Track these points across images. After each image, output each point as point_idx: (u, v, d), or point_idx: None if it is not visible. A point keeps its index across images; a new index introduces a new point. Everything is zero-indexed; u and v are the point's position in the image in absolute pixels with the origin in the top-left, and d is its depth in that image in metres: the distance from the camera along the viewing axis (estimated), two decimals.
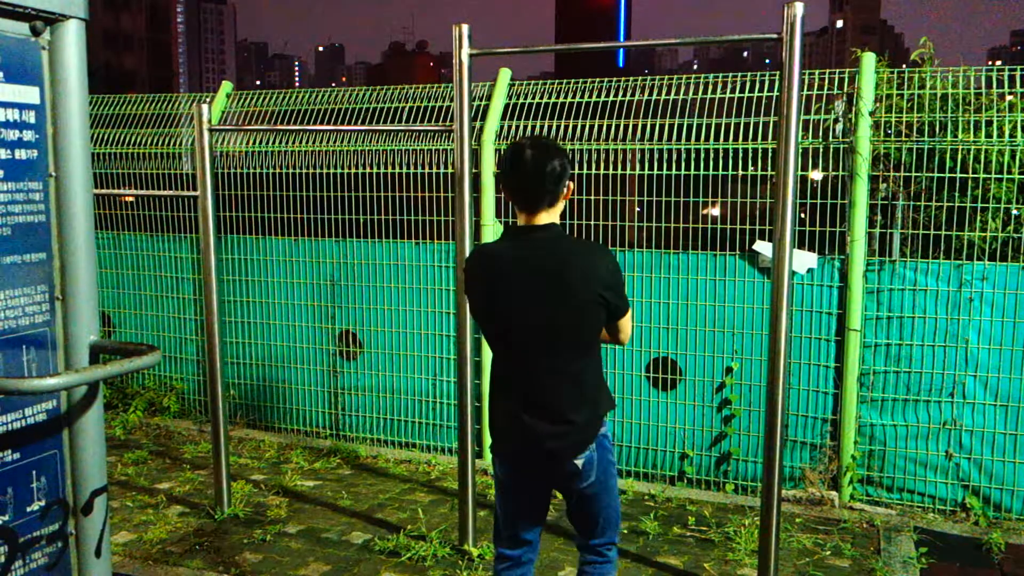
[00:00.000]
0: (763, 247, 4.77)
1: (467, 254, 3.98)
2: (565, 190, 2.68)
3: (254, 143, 6.07)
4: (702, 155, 4.90)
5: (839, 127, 4.74)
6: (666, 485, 5.06)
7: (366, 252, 5.67)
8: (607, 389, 2.78)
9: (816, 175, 4.77)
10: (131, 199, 6.51)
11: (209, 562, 4.08)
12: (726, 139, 4.87)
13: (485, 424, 5.41)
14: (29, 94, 2.03)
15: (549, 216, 2.66)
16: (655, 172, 4.98)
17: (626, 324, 2.75)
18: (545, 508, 2.86)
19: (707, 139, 4.90)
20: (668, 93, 5.09)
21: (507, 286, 2.61)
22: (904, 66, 4.94)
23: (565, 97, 5.26)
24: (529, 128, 5.24)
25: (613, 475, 2.75)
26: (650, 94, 5.13)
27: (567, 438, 2.61)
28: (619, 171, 5.10)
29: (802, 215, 4.72)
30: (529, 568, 2.88)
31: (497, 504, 2.87)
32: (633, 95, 5.18)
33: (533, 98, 5.32)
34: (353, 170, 5.71)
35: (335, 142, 5.82)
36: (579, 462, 2.62)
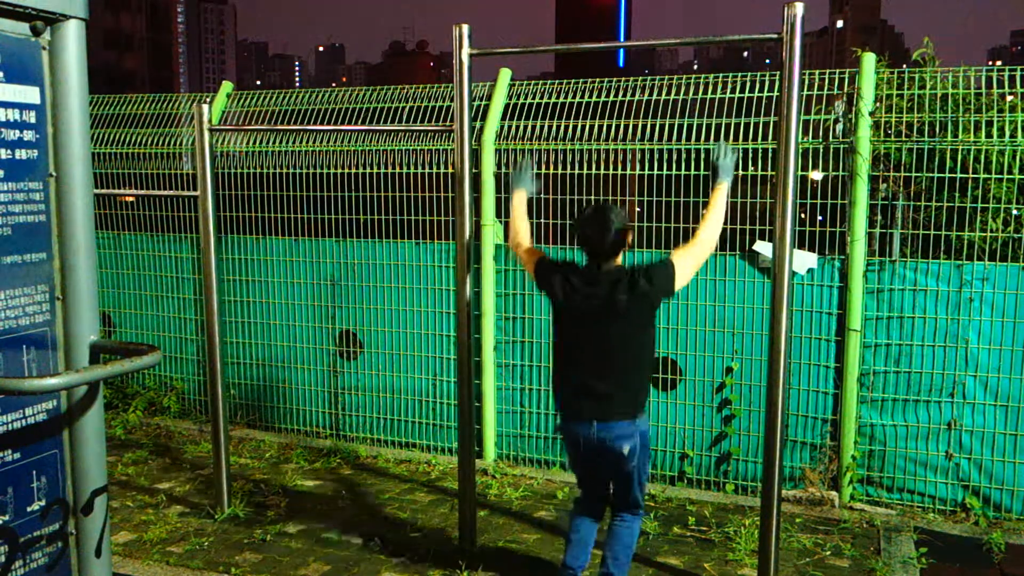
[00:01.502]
0: (763, 247, 4.77)
1: (467, 254, 3.98)
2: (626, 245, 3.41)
3: (254, 143, 6.07)
4: (702, 155, 4.90)
5: (839, 127, 4.74)
6: (666, 485, 5.06)
7: (366, 252, 5.67)
8: (647, 396, 3.46)
9: (816, 175, 4.77)
10: (131, 199, 6.51)
11: (209, 562, 4.08)
12: (726, 139, 4.87)
13: (485, 424, 5.41)
14: (29, 94, 2.03)
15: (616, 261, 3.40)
16: (655, 172, 4.98)
17: (689, 261, 3.39)
18: (605, 485, 3.51)
19: (707, 139, 4.90)
20: (668, 93, 5.09)
21: (579, 312, 3.38)
22: (904, 66, 4.94)
23: (565, 97, 5.26)
24: (529, 128, 5.24)
25: (648, 460, 3.51)
26: (650, 94, 5.13)
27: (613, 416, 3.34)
28: (619, 171, 5.10)
29: (802, 215, 4.72)
30: (596, 521, 3.58)
31: (576, 476, 3.66)
32: (633, 95, 5.18)
33: (533, 98, 5.32)
34: (353, 170, 5.71)
35: (335, 142, 5.82)
36: (625, 448, 3.32)
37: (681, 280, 3.36)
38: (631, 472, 3.41)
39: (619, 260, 3.37)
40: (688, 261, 3.39)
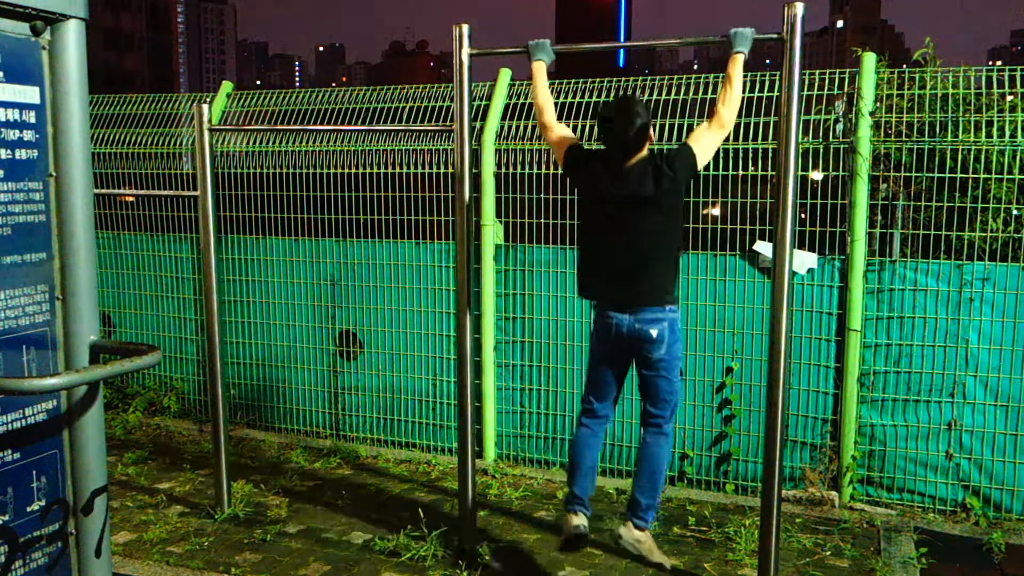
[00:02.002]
0: (763, 247, 4.77)
1: (467, 254, 3.98)
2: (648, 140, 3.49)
3: (254, 143, 6.07)
4: None
5: (839, 127, 4.74)
6: (666, 485, 5.06)
7: (366, 252, 5.67)
8: (677, 284, 3.57)
9: (816, 175, 4.77)
10: (131, 199, 6.51)
11: (209, 562, 4.08)
12: (726, 139, 4.86)
13: (485, 424, 5.41)
14: (29, 94, 2.03)
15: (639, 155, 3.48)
16: None
17: (707, 140, 3.49)
18: (619, 382, 3.65)
19: None
20: (668, 93, 5.09)
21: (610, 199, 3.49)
22: (904, 66, 4.93)
23: (565, 97, 5.25)
24: (529, 128, 5.23)
25: (678, 360, 3.55)
26: (650, 94, 5.13)
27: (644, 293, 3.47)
28: None
29: (802, 215, 4.72)
30: (603, 422, 3.71)
31: (588, 367, 3.74)
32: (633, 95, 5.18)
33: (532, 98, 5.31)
34: (353, 170, 5.71)
35: (335, 142, 5.82)
36: (654, 331, 3.43)
37: (702, 160, 3.48)
38: (659, 363, 3.48)
39: (644, 151, 3.45)
40: (706, 141, 3.49)
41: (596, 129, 3.57)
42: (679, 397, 3.67)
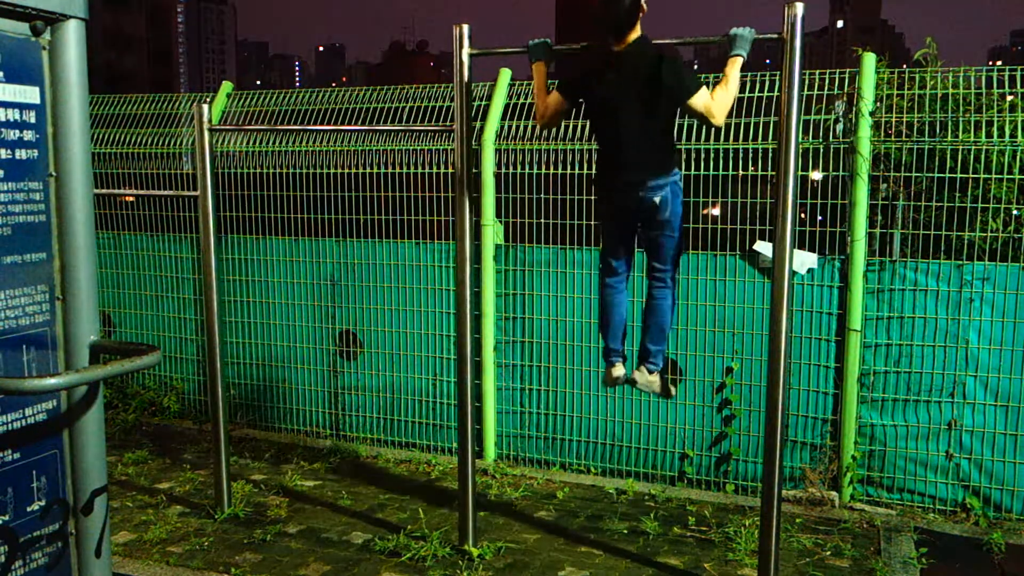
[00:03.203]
0: (763, 247, 4.77)
1: (467, 254, 3.98)
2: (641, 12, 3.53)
3: (254, 143, 6.07)
4: (702, 155, 4.90)
5: (839, 127, 4.74)
6: (666, 485, 5.06)
7: (366, 252, 5.67)
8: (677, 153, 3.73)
9: (816, 175, 4.77)
10: (131, 199, 6.51)
11: (209, 562, 4.08)
12: (726, 139, 4.87)
13: (485, 424, 5.41)
14: (29, 94, 2.03)
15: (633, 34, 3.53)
16: None
17: (705, 104, 3.48)
18: (632, 239, 3.81)
19: (707, 139, 4.90)
20: None
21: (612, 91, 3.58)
22: (904, 66, 4.93)
23: None
24: (529, 128, 5.24)
25: (680, 217, 3.70)
26: None
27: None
28: None
29: (802, 215, 4.72)
30: (623, 279, 3.90)
31: (602, 236, 3.92)
32: None
33: (533, 98, 5.31)
34: (353, 170, 5.71)
35: (335, 142, 5.82)
36: (657, 198, 3.58)
37: (696, 103, 3.49)
38: (664, 223, 3.65)
39: (638, 29, 3.50)
40: (704, 100, 3.50)
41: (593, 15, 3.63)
42: (680, 250, 3.84)
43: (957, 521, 4.57)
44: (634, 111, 3.55)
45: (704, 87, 3.53)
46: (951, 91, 4.64)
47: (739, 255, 4.87)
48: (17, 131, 2.01)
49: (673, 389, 4.04)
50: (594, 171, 3.88)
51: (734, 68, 3.52)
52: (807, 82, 4.76)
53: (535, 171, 5.23)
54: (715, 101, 3.50)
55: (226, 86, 6.36)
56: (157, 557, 4.12)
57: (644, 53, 3.51)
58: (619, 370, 3.90)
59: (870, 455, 4.75)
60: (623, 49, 3.52)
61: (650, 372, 3.88)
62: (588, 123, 3.91)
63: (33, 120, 2.04)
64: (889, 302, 4.65)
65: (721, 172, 4.88)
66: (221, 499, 4.60)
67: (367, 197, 5.64)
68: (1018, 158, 4.47)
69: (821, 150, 4.73)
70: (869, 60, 4.73)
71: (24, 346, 2.05)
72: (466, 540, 4.14)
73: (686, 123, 4.98)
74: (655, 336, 3.85)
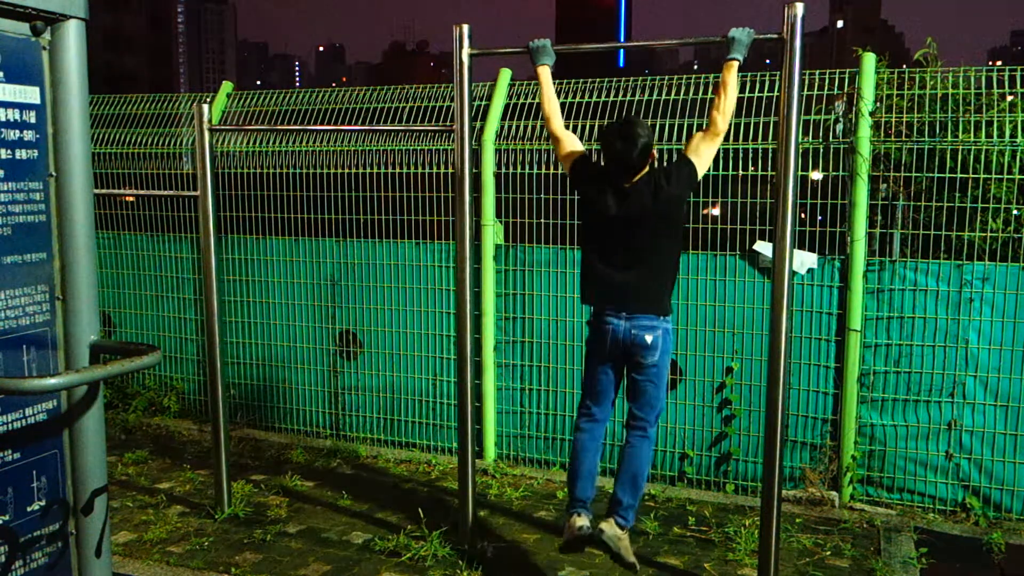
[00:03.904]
0: (763, 247, 4.77)
1: (467, 254, 3.98)
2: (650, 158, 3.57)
3: (254, 143, 6.07)
4: None
5: (839, 127, 4.74)
6: (666, 485, 5.06)
7: (366, 252, 5.67)
8: (671, 294, 3.68)
9: (816, 175, 4.77)
10: (131, 199, 6.51)
11: (209, 562, 4.08)
12: (726, 139, 4.87)
13: (485, 424, 5.41)
14: (29, 94, 2.03)
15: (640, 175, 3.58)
16: None
17: (704, 149, 3.58)
18: (615, 386, 3.73)
19: None
20: (668, 93, 5.09)
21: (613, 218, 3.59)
22: (904, 66, 4.93)
23: (565, 97, 5.25)
24: (529, 128, 5.24)
25: (667, 369, 3.66)
26: (650, 94, 5.13)
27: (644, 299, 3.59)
28: None
29: (802, 215, 4.72)
30: (601, 426, 3.77)
31: (584, 374, 3.82)
32: (633, 95, 5.19)
33: (533, 98, 5.32)
34: (353, 170, 5.71)
35: (335, 142, 5.82)
36: (649, 338, 3.55)
37: (702, 170, 3.59)
38: (650, 368, 3.59)
39: (646, 169, 3.55)
40: (704, 152, 3.59)
41: (600, 152, 3.62)
42: (663, 404, 3.77)
43: (957, 521, 4.57)
44: (639, 233, 3.55)
45: (689, 152, 3.59)
46: (951, 91, 4.64)
47: (739, 255, 4.87)
48: (17, 131, 2.01)
49: (637, 564, 3.61)
50: (584, 296, 3.77)
51: (731, 73, 3.52)
52: (807, 82, 4.76)
53: (535, 171, 5.23)
54: (716, 115, 3.54)
55: (226, 86, 6.36)
56: (157, 557, 4.12)
57: (650, 185, 3.54)
58: (582, 520, 3.61)
59: (870, 455, 4.75)
60: (630, 187, 3.56)
61: (620, 527, 3.59)
62: (581, 233, 3.84)
63: (33, 120, 2.04)
64: (889, 302, 4.65)
65: (721, 172, 4.88)
66: (221, 499, 4.60)
67: (367, 197, 5.64)
68: (1018, 158, 4.47)
69: (821, 150, 4.73)
70: (869, 60, 4.73)
71: (24, 346, 2.05)
72: (466, 540, 4.14)
73: (686, 123, 4.98)
74: (628, 488, 3.62)
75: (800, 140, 3.65)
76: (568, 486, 3.77)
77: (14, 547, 2.05)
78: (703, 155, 3.59)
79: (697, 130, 3.75)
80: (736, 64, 3.52)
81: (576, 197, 5.09)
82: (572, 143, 3.81)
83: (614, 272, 3.60)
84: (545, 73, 3.84)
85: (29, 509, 2.08)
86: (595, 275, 3.66)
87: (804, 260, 4.70)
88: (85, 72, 2.12)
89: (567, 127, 5.16)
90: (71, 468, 2.17)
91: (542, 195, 5.20)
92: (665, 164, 3.62)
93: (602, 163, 3.62)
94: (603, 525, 3.59)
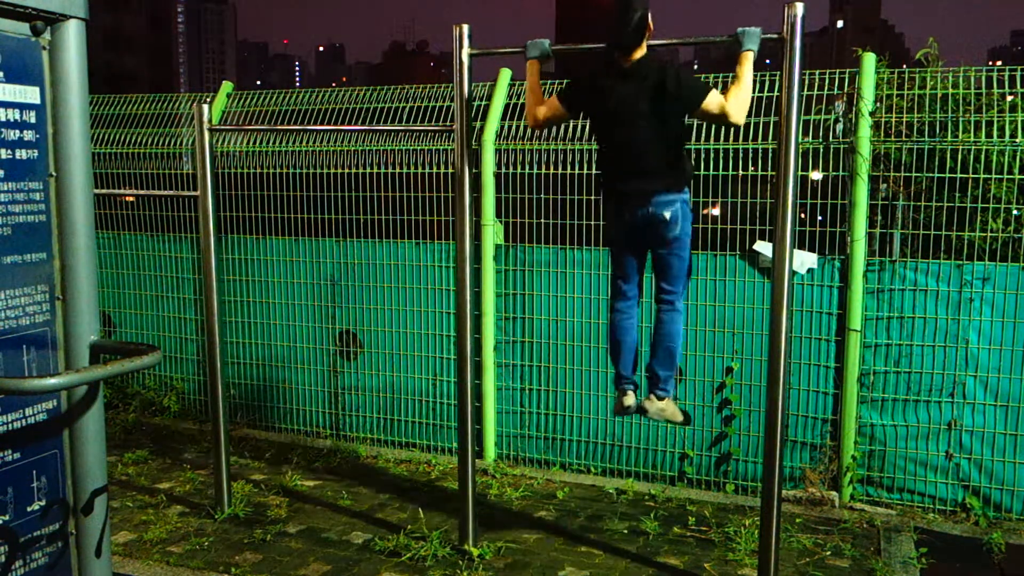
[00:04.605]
0: (763, 247, 4.77)
1: (467, 254, 3.98)
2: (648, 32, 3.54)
3: (254, 143, 6.07)
4: (702, 155, 4.90)
5: (839, 127, 4.74)
6: (666, 485, 5.06)
7: (366, 252, 5.67)
8: (689, 166, 3.73)
9: (816, 175, 4.77)
10: (131, 199, 6.51)
11: (209, 562, 4.08)
12: (726, 139, 4.87)
13: (485, 424, 5.41)
14: (29, 94, 2.03)
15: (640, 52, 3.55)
16: None
17: (719, 104, 3.49)
18: (641, 263, 3.82)
19: (707, 139, 4.90)
20: None
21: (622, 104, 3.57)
22: (904, 66, 4.93)
23: None
24: (529, 128, 5.23)
25: (689, 237, 3.69)
26: None
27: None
28: None
29: (802, 215, 4.72)
30: (633, 304, 3.88)
31: (611, 257, 3.89)
32: None
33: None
34: (353, 170, 5.71)
35: (335, 142, 5.82)
36: (667, 213, 3.58)
37: (709, 105, 3.50)
38: (673, 241, 3.64)
39: (643, 48, 3.51)
40: (717, 103, 3.50)
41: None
42: (689, 273, 3.84)
43: (957, 521, 4.57)
44: (642, 124, 3.55)
45: (713, 89, 3.52)
46: (951, 91, 4.64)
47: (739, 255, 4.87)
48: (17, 131, 2.01)
49: (684, 416, 3.94)
50: (601, 189, 3.85)
51: (747, 64, 3.48)
52: (807, 82, 4.76)
53: (535, 171, 5.23)
54: (730, 100, 3.49)
55: (226, 86, 6.36)
56: (157, 557, 4.12)
57: (650, 67, 3.53)
58: (630, 399, 3.84)
59: (870, 455, 4.75)
60: (629, 66, 3.53)
61: (659, 399, 3.82)
62: (593, 135, 3.88)
63: (33, 120, 2.04)
64: (889, 302, 4.65)
65: (721, 172, 4.88)
66: (221, 499, 4.60)
67: (367, 197, 5.64)
68: (1018, 158, 4.47)
69: (821, 150, 4.73)
70: (869, 60, 4.73)
71: (24, 346, 2.05)
72: (466, 540, 4.14)
73: (693, 124, 4.97)
74: (664, 361, 3.80)
75: (800, 140, 3.65)
76: (613, 363, 3.93)
77: (14, 547, 2.05)
78: (715, 103, 3.50)
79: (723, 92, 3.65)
80: (752, 55, 3.48)
81: (581, 197, 5.10)
82: (551, 103, 3.78)
83: (626, 154, 3.62)
84: (534, 67, 3.83)
85: (29, 509, 2.08)
86: (608, 160, 3.71)
87: (804, 260, 4.70)
88: (85, 72, 2.11)
89: (567, 127, 5.17)
90: (71, 468, 2.17)
91: (542, 195, 5.20)
92: (676, 69, 3.55)
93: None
94: (645, 404, 3.82)
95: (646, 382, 3.88)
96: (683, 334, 3.82)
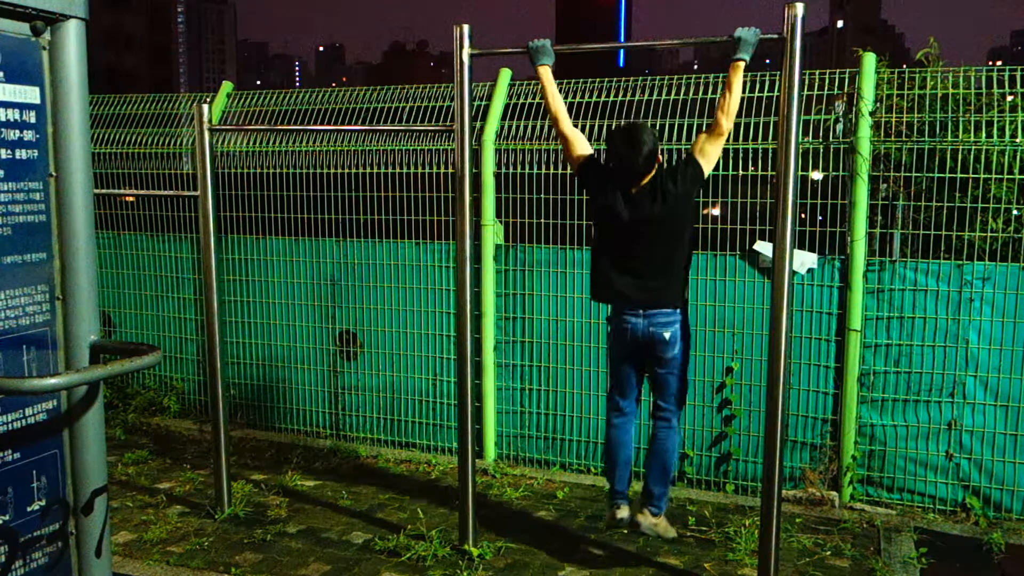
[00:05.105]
0: (763, 247, 4.77)
1: (467, 254, 3.98)
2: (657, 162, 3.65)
3: (254, 143, 6.07)
4: None
5: (839, 127, 4.74)
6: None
7: (366, 252, 5.67)
8: (686, 287, 3.81)
9: (816, 175, 4.77)
10: (131, 199, 6.51)
11: (209, 562, 4.08)
12: (727, 139, 4.86)
13: (485, 424, 5.41)
14: (29, 94, 2.03)
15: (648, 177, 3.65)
16: None
17: (709, 141, 3.64)
18: (639, 379, 3.90)
19: None
20: (668, 93, 5.09)
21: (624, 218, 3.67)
22: (904, 66, 4.93)
23: (565, 97, 5.24)
24: (529, 128, 5.24)
25: (688, 358, 3.84)
26: (650, 94, 5.13)
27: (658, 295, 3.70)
28: None
29: (802, 215, 4.72)
30: (631, 419, 3.94)
31: (609, 369, 3.96)
32: (633, 95, 5.18)
33: (533, 98, 5.32)
34: (353, 170, 5.71)
35: (335, 142, 5.82)
36: (667, 333, 3.68)
37: (707, 169, 3.67)
38: (670, 361, 3.74)
39: (652, 172, 3.62)
40: (709, 151, 3.65)
41: (605, 154, 3.70)
42: (686, 393, 3.92)
43: (957, 521, 4.57)
44: (647, 235, 3.65)
45: (697, 141, 3.68)
46: (951, 91, 4.64)
47: (739, 255, 4.87)
48: (17, 131, 2.01)
49: (675, 534, 4.03)
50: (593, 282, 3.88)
51: (737, 73, 3.56)
52: (807, 82, 4.75)
53: (535, 171, 5.23)
54: (716, 124, 3.61)
55: (226, 86, 6.36)
56: (157, 557, 4.12)
57: (656, 188, 3.62)
58: (623, 512, 3.90)
59: (870, 455, 4.75)
60: (637, 191, 3.64)
61: (654, 515, 3.88)
62: (592, 217, 3.94)
63: (33, 120, 2.04)
64: (889, 302, 4.65)
65: (721, 172, 4.88)
66: (221, 499, 4.60)
67: (367, 197, 5.64)
68: (1018, 158, 4.47)
69: (821, 150, 4.73)
70: (869, 60, 4.73)
71: (24, 346, 2.05)
72: (466, 540, 4.14)
73: (685, 123, 4.98)
74: (659, 478, 3.86)
75: (800, 140, 3.65)
76: (607, 478, 4.00)
77: (14, 547, 2.05)
78: (709, 155, 3.66)
79: (701, 131, 3.81)
80: (742, 64, 3.56)
81: (581, 197, 5.10)
82: (581, 144, 3.84)
83: (627, 274, 3.71)
84: (546, 73, 3.88)
85: (29, 509, 2.08)
86: (607, 278, 3.77)
87: (804, 260, 4.70)
88: (85, 72, 2.11)
89: None
90: (71, 468, 2.17)
91: (542, 195, 5.20)
92: (672, 164, 3.69)
93: (609, 165, 3.69)
94: (639, 518, 3.88)
95: (640, 496, 3.95)
96: (678, 450, 3.92)
